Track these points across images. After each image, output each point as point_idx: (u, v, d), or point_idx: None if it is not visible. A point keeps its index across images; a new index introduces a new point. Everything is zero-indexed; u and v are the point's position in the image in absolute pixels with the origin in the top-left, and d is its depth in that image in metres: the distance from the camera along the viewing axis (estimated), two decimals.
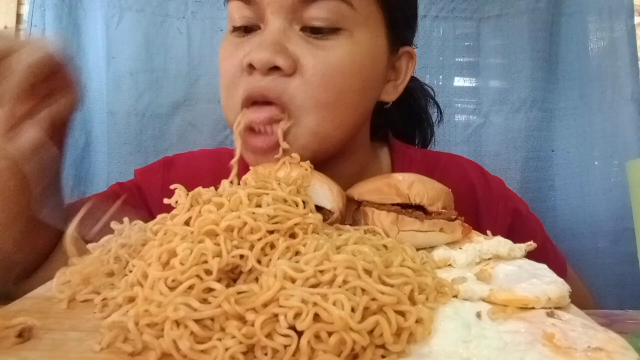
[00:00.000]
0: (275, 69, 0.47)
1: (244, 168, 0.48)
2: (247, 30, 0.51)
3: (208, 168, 0.64)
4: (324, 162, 0.53)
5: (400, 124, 0.71)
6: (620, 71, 0.89)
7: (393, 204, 0.44)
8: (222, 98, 0.52)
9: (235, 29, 0.52)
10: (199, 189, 0.38)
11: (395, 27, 0.54)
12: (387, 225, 0.42)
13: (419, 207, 0.44)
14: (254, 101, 0.48)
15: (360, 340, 0.26)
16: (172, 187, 0.39)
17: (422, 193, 0.43)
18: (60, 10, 0.90)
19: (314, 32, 0.49)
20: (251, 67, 0.47)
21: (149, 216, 0.41)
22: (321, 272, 0.29)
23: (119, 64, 0.92)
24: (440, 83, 0.96)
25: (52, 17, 0.90)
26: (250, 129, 0.49)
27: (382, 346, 0.27)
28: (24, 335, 0.29)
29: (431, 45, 0.95)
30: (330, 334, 0.26)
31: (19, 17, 1.01)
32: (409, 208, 0.43)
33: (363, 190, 0.46)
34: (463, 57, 0.95)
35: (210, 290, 0.29)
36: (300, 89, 0.48)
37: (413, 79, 0.62)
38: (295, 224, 0.34)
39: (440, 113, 0.76)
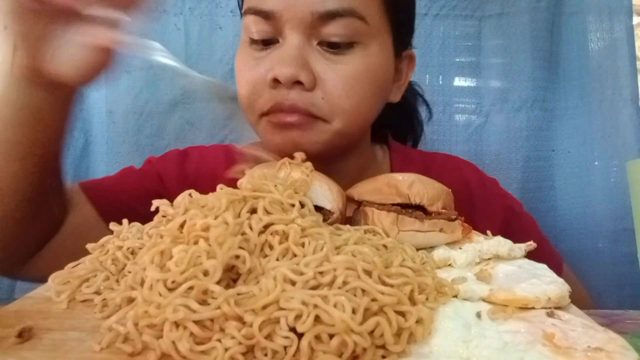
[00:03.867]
0: (297, 83, 0.50)
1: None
2: (264, 43, 0.54)
3: (223, 160, 0.66)
4: (335, 156, 0.58)
5: (393, 123, 0.73)
6: (619, 71, 0.89)
7: (393, 204, 0.44)
8: (242, 104, 0.56)
9: (253, 42, 0.54)
10: (197, 196, 0.38)
11: (400, 34, 0.58)
12: (387, 225, 0.42)
13: (419, 207, 0.43)
14: (279, 111, 0.52)
15: (361, 342, 0.26)
16: (155, 202, 0.38)
17: (422, 193, 0.43)
18: None
19: (331, 47, 0.52)
20: (276, 82, 0.51)
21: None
22: (321, 273, 0.29)
23: (118, 63, 0.91)
24: (441, 83, 0.95)
25: None
26: (280, 110, 0.52)
27: (383, 346, 0.27)
28: (24, 335, 0.29)
29: (431, 44, 0.94)
30: (330, 335, 0.26)
31: None
32: (409, 208, 0.43)
33: (363, 190, 0.46)
34: (463, 56, 0.95)
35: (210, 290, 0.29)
36: (325, 100, 0.51)
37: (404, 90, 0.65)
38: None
39: (430, 111, 0.79)
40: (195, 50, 0.94)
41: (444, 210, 0.43)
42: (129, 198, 0.46)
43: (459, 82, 0.96)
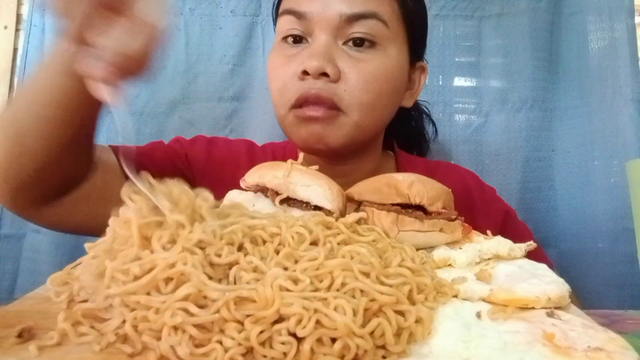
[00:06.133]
0: (323, 75, 0.56)
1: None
2: (294, 41, 0.60)
3: (246, 152, 0.72)
4: (351, 155, 0.64)
5: (401, 139, 0.78)
6: (620, 71, 0.89)
7: (393, 204, 0.44)
8: (274, 98, 0.61)
9: (284, 40, 0.61)
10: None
11: (414, 44, 0.64)
12: (387, 225, 0.42)
13: (419, 207, 0.43)
14: (305, 101, 0.57)
15: (364, 344, 0.26)
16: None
17: (422, 193, 0.43)
18: None
19: (355, 45, 0.58)
20: (305, 73, 0.57)
21: (190, 183, 0.40)
22: (317, 277, 0.29)
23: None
24: (440, 83, 0.95)
25: (52, 17, 0.89)
26: (306, 100, 0.57)
27: (383, 347, 0.27)
28: (24, 335, 0.28)
29: (431, 44, 0.93)
30: (332, 338, 0.26)
31: (18, 17, 1.01)
32: (409, 208, 0.43)
33: (363, 190, 0.46)
34: (463, 56, 0.95)
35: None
36: (347, 92, 0.57)
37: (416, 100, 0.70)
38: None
39: (436, 130, 0.85)
40: (195, 51, 0.94)
41: (444, 210, 0.43)
42: (157, 169, 0.47)
43: (458, 82, 0.96)
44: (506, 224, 0.69)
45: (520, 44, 0.92)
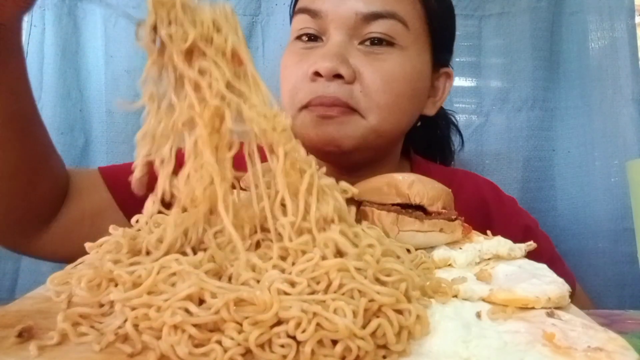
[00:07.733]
0: (337, 76, 0.53)
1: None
2: (309, 39, 0.58)
3: (241, 154, 0.67)
4: (366, 164, 0.60)
5: (424, 149, 0.75)
6: (620, 71, 0.89)
7: (393, 204, 0.44)
8: (284, 99, 0.58)
9: (298, 39, 0.59)
10: None
11: (438, 48, 0.61)
12: (387, 225, 0.42)
13: (419, 207, 0.44)
14: (320, 104, 0.54)
15: (365, 346, 0.26)
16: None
17: (422, 193, 0.43)
18: (60, 10, 0.90)
19: (372, 44, 0.55)
20: (317, 75, 0.54)
21: None
22: (313, 279, 0.29)
23: (117, 63, 0.91)
24: None
25: (51, 17, 0.89)
26: (320, 103, 0.54)
27: (384, 346, 0.27)
28: (24, 335, 0.28)
29: None
30: (332, 339, 0.26)
31: None
32: (409, 208, 0.43)
33: (363, 190, 0.46)
34: (463, 56, 0.95)
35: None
36: (363, 93, 0.54)
37: (439, 108, 0.67)
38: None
39: (462, 141, 0.82)
40: None
41: (444, 210, 0.43)
42: (147, 187, 0.46)
43: (459, 82, 0.95)
44: (525, 240, 0.66)
45: (521, 43, 0.92)
